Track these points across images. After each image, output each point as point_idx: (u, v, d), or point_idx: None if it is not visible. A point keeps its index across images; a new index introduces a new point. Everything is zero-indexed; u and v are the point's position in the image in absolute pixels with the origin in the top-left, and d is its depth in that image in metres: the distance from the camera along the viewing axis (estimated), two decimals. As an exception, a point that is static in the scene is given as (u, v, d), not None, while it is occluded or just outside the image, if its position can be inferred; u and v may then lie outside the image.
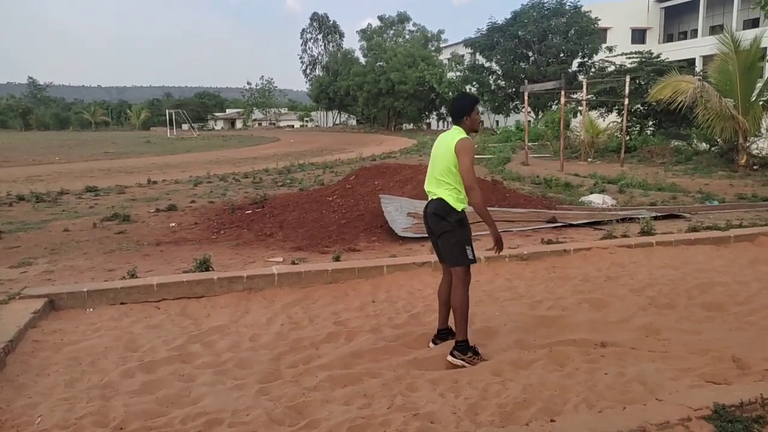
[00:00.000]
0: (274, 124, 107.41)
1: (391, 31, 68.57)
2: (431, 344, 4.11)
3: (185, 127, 73.23)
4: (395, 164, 12.21)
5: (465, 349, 3.80)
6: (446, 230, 3.85)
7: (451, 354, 3.79)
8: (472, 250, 3.92)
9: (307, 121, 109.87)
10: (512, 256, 6.36)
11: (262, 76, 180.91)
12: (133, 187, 14.96)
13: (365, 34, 69.12)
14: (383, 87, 57.38)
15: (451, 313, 3.98)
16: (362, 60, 67.13)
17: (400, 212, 8.08)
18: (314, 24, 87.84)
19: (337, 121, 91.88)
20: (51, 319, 4.86)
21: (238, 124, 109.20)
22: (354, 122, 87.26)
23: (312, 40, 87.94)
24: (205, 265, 5.84)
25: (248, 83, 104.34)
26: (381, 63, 58.96)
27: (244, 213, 9.70)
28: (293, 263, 6.24)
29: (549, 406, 3.15)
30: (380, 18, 70.11)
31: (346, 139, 49.33)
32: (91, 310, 5.07)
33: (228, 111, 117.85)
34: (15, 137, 66.00)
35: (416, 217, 8.09)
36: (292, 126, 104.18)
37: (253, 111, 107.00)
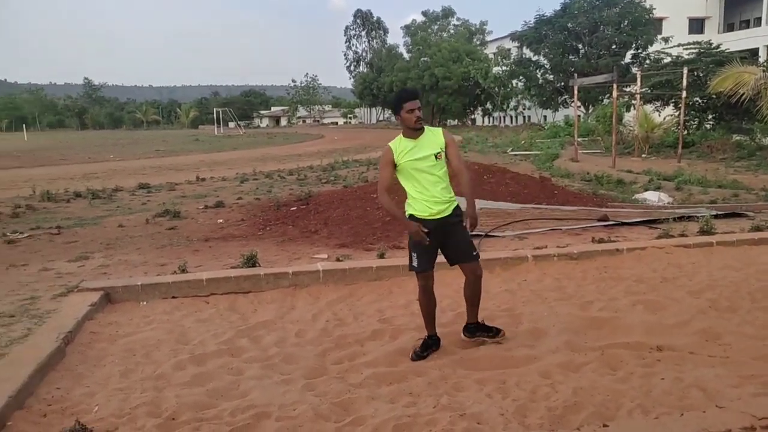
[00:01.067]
0: (318, 121, 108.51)
1: (436, 26, 68.22)
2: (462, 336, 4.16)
3: (232, 125, 74.79)
4: (440, 161, 12.13)
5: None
6: None
7: None
8: (417, 259, 3.94)
9: (350, 118, 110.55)
10: (561, 255, 6.22)
11: (307, 74, 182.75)
12: (182, 184, 15.36)
13: (409, 29, 69.02)
14: (427, 83, 57.15)
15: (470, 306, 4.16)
16: (406, 56, 67.04)
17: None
18: (358, 21, 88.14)
19: (381, 118, 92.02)
20: (107, 311, 5.02)
21: (283, 122, 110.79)
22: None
23: (356, 37, 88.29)
24: (252, 261, 5.93)
25: (293, 81, 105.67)
26: (425, 58, 58.75)
27: (289, 210, 9.82)
28: (338, 260, 6.26)
29: (601, 410, 3.06)
30: (424, 13, 69.86)
31: (389, 135, 48.82)
32: (145, 303, 5.22)
33: (273, 109, 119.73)
34: (72, 136, 68.74)
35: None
36: (336, 123, 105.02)
37: (297, 108, 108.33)
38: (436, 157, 3.78)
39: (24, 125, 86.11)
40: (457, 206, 3.90)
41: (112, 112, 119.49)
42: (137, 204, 11.85)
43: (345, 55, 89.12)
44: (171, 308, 5.10)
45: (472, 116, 67.96)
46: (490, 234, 7.39)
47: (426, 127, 3.80)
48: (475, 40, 64.44)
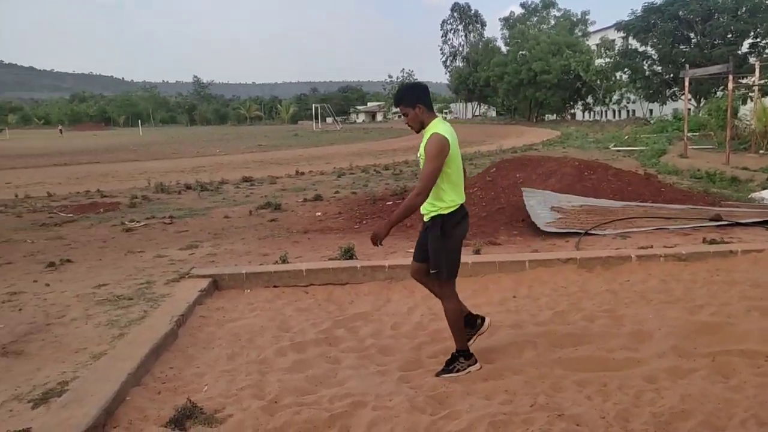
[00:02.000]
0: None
1: (535, 18, 66.20)
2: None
3: (329, 120, 76.67)
4: (537, 156, 11.82)
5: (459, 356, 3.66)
6: None
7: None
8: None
9: (445, 113, 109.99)
10: (668, 255, 5.88)
11: (403, 69, 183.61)
12: (283, 178, 15.97)
13: (507, 22, 67.48)
14: (525, 77, 55.67)
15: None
16: (504, 49, 65.65)
17: (543, 206, 7.81)
18: (455, 14, 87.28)
19: (477, 113, 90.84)
20: (215, 297, 5.34)
21: (379, 117, 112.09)
22: (493, 114, 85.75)
23: (452, 31, 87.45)
24: (349, 254, 6.08)
25: (389, 76, 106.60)
26: (523, 52, 57.19)
27: (385, 204, 9.94)
28: (433, 254, 6.27)
29: (711, 419, 2.87)
30: (523, 5, 67.95)
31: (485, 130, 48.66)
32: (249, 291, 5.50)
33: (369, 104, 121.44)
34: (182, 132, 73.29)
35: (560, 211, 7.78)
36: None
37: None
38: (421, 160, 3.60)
39: (139, 121, 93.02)
40: (432, 218, 3.56)
41: (219, 109, 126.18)
42: (241, 196, 12.46)
43: (441, 49, 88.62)
44: (273, 296, 5.34)
45: (572, 111, 65.46)
46: (590, 232, 7.11)
47: (434, 125, 3.49)
48: (576, 31, 61.90)
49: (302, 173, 16.98)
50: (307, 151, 29.92)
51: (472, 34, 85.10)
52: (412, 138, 33.83)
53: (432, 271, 3.61)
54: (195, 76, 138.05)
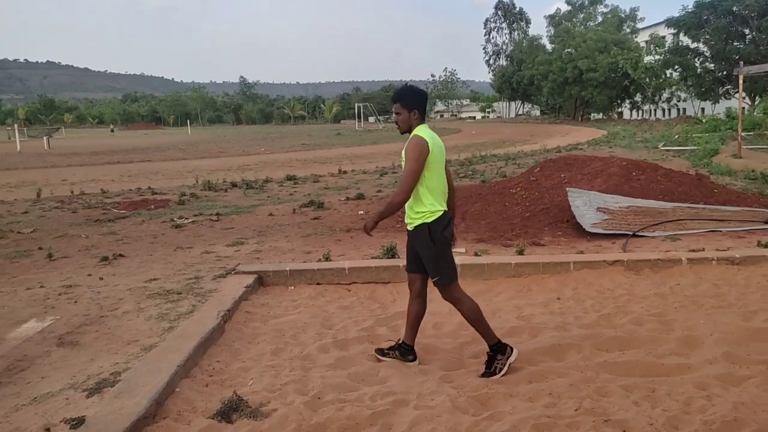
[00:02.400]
0: (455, 115, 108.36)
1: (581, 15, 64.83)
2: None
3: (371, 119, 76.93)
4: (583, 156, 11.59)
5: (498, 351, 3.67)
6: None
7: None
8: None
9: (488, 112, 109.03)
10: (721, 258, 5.69)
11: (445, 68, 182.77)
12: (326, 177, 16.12)
13: (553, 19, 66.33)
14: (570, 75, 54.66)
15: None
16: (549, 47, 64.57)
17: (588, 207, 7.66)
18: (499, 12, 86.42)
19: (520, 112, 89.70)
20: (260, 293, 5.44)
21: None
22: (537, 112, 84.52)
23: (496, 29, 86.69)
24: (391, 252, 6.10)
25: (432, 75, 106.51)
26: (569, 50, 56.13)
27: (427, 203, 9.92)
28: (475, 255, 6.24)
29: (765, 429, 2.78)
30: (569, 2, 66.63)
31: (529, 129, 47.99)
32: (292, 288, 5.58)
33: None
34: (228, 131, 74.77)
35: (607, 212, 7.62)
36: (474, 117, 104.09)
37: (435, 103, 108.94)
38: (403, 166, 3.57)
39: (188, 120, 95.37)
40: (416, 227, 3.57)
41: (263, 108, 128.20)
42: (285, 194, 12.64)
43: (484, 48, 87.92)
44: (316, 294, 5.40)
45: (619, 109, 63.91)
46: (638, 233, 6.94)
47: (418, 130, 3.53)
48: (624, 27, 60.37)
49: (345, 172, 17.11)
50: (350, 149, 30.10)
51: (516, 32, 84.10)
52: (456, 137, 33.79)
53: (434, 280, 3.63)
54: (241, 77, 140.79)
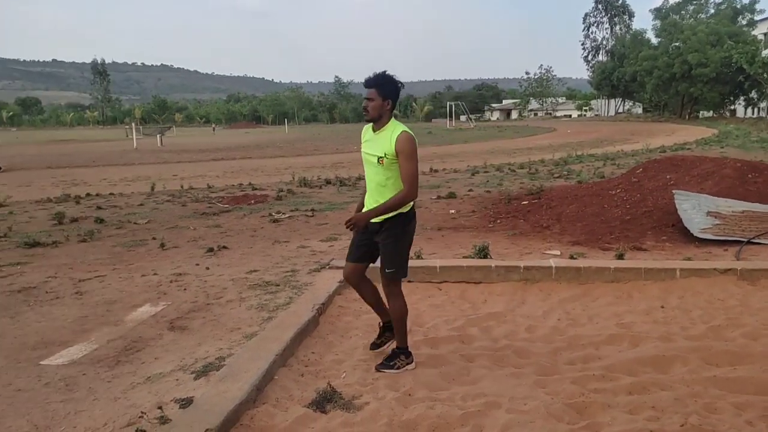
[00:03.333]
0: (550, 114, 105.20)
1: (691, 7, 60.87)
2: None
3: (463, 118, 76.27)
4: (692, 157, 10.89)
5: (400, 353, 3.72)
6: None
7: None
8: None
9: (585, 110, 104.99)
10: None
11: (540, 65, 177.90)
12: (417, 175, 16.15)
13: (659, 12, 62.73)
14: (677, 71, 51.52)
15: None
16: (654, 41, 61.18)
17: (697, 210, 7.20)
18: (599, 6, 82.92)
19: (620, 110, 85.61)
20: (352, 289, 5.54)
21: (514, 115, 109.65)
22: (639, 110, 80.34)
23: (596, 24, 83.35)
24: (483, 253, 6.04)
25: (526, 73, 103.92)
26: (677, 44, 52.91)
27: (520, 203, 9.72)
28: (571, 257, 6.04)
29: None
30: (678, -7, 62.78)
31: (629, 128, 45.74)
32: (384, 284, 5.65)
33: (504, 102, 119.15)
34: (322, 129, 76.85)
35: (718, 217, 7.13)
36: (569, 116, 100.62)
37: (529, 101, 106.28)
38: (378, 161, 3.45)
39: (285, 119, 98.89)
40: (390, 218, 3.52)
41: (357, 107, 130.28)
42: (377, 192, 12.80)
43: (582, 44, 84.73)
44: (407, 291, 5.36)
45: (732, 107, 59.45)
46: (754, 240, 6.44)
47: (394, 124, 3.45)
48: (740, 20, 56.05)
49: (436, 171, 17.09)
50: (441, 148, 30.00)
51: (618, 27, 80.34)
52: (550, 136, 32.83)
53: (388, 270, 3.62)
54: (336, 76, 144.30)
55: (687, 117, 57.24)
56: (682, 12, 60.76)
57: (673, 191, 7.86)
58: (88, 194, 13.41)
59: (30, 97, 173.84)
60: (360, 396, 3.32)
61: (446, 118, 72.27)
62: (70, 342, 4.25)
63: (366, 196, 3.72)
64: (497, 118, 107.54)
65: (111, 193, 13.74)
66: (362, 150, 3.63)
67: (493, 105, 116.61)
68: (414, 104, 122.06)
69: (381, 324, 4.00)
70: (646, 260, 5.88)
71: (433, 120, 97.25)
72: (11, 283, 5.85)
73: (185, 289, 5.49)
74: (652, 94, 60.92)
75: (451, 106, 72.21)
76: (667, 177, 9.13)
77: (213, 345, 4.08)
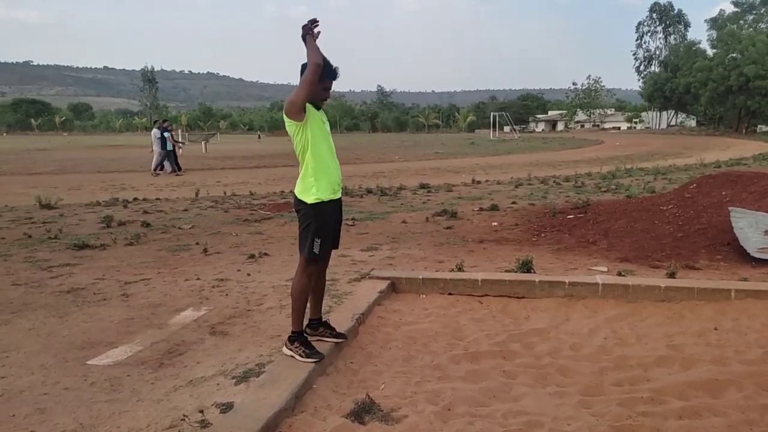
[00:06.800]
0: (597, 125, 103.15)
1: (750, 17, 58.87)
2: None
3: (506, 129, 75.56)
4: (749, 173, 10.46)
5: (294, 340, 3.81)
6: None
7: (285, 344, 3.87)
8: (321, 245, 3.83)
9: (635, 123, 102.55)
10: None
11: (589, 76, 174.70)
12: (459, 186, 16.06)
13: (716, 22, 60.91)
14: (734, 83, 49.86)
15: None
16: (709, 52, 59.37)
17: (755, 229, 6.89)
18: (654, 15, 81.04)
19: (672, 123, 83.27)
20: (392, 299, 5.52)
21: (559, 126, 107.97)
22: (693, 123, 77.98)
23: (649, 34, 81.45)
24: (526, 267, 5.91)
25: (573, 83, 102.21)
26: (734, 54, 51.21)
27: (565, 217, 9.52)
28: (619, 274, 5.86)
29: None
30: (735, 3, 60.76)
31: (682, 142, 44.42)
32: (424, 296, 5.60)
33: (550, 113, 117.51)
34: (364, 138, 77.26)
35: (776, 236, 6.80)
36: (618, 128, 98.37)
37: (576, 112, 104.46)
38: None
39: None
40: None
41: (399, 116, 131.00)
42: (418, 202, 12.77)
43: (634, 54, 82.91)
44: (447, 304, 5.37)
45: (792, 121, 57.14)
46: (815, 262, 6.12)
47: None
48: (803, 28, 53.94)
49: (478, 182, 16.92)
50: (484, 159, 29.75)
51: (672, 36, 78.37)
52: (596, 149, 32.30)
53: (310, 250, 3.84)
54: (379, 86, 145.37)
55: (744, 131, 55.22)
56: (740, 22, 58.83)
57: (729, 208, 7.55)
58: (135, 198, 13.80)
59: (82, 102, 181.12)
60: (399, 408, 3.28)
61: (489, 128, 71.67)
62: (115, 343, 4.36)
63: (333, 180, 3.89)
64: (542, 129, 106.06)
65: (157, 198, 14.10)
66: (324, 128, 3.87)
67: (538, 116, 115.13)
68: (457, 114, 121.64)
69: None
70: (699, 279, 5.66)
71: (476, 131, 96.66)
72: (61, 284, 6.05)
73: (227, 295, 5.57)
74: (706, 107, 59.14)
75: (494, 117, 71.59)
76: (723, 193, 8.79)
77: (253, 351, 4.11)
